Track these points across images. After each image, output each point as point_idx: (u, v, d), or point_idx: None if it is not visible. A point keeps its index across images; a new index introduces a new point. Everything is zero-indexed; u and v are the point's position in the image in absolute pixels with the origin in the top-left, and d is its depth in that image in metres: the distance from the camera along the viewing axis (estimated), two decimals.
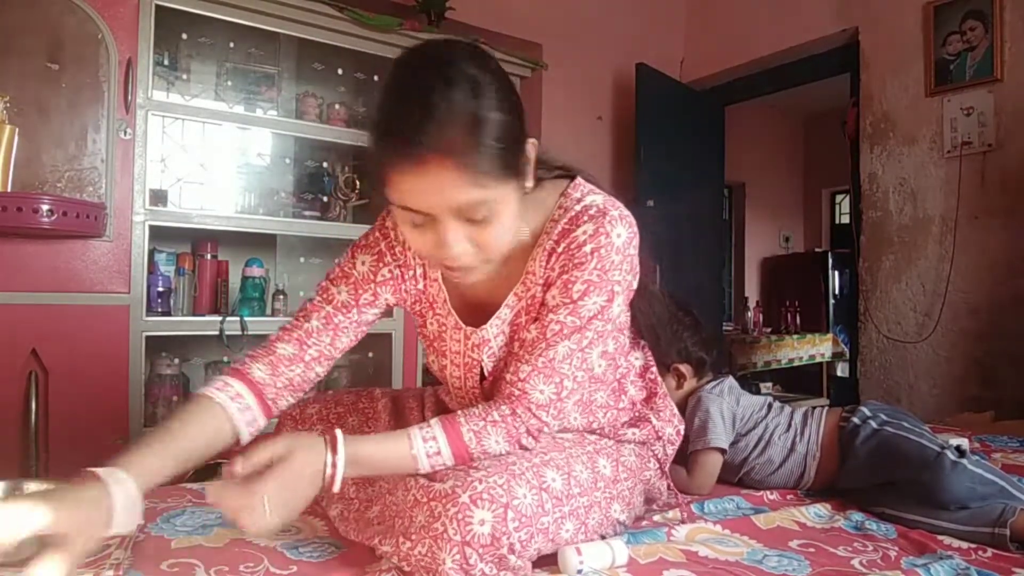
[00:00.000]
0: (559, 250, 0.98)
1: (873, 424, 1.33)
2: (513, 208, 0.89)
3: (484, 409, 0.97)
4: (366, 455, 0.91)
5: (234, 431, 0.99)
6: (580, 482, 0.99)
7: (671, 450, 1.21)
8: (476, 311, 1.07)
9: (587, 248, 0.95)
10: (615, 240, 0.96)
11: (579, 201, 0.99)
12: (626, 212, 1.00)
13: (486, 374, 1.07)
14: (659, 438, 1.17)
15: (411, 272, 1.10)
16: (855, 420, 1.36)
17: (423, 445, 0.93)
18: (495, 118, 0.82)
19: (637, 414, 1.17)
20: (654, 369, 1.22)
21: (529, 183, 0.92)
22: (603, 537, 1.04)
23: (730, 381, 1.49)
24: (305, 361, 1.05)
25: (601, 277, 0.96)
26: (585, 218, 0.97)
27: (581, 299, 0.96)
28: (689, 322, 1.49)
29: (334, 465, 0.88)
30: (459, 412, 0.97)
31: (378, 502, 1.03)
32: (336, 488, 0.89)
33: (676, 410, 1.23)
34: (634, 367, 1.19)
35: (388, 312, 1.20)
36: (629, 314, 1.14)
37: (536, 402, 0.97)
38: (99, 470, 0.80)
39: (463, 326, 1.07)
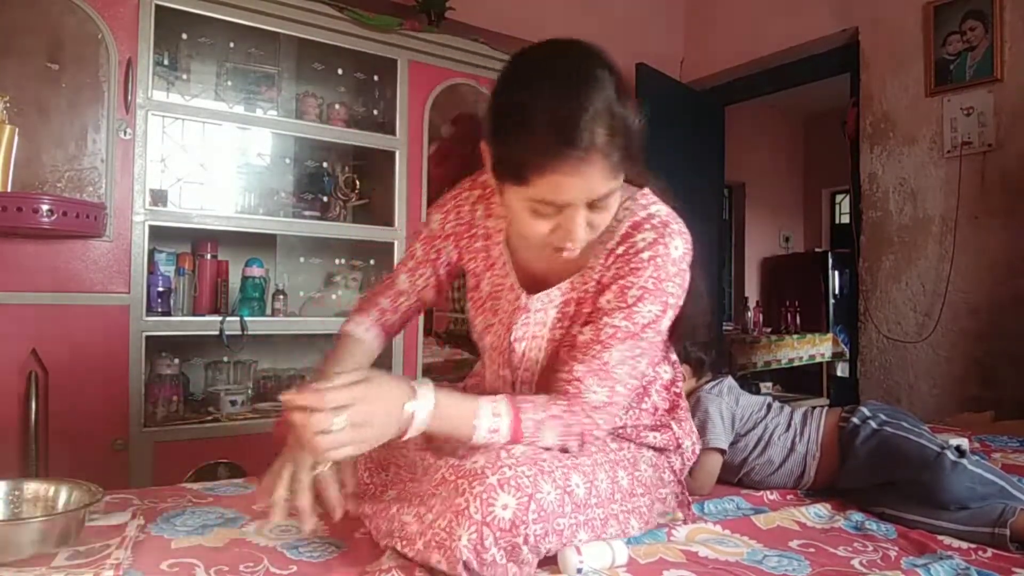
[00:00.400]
0: (619, 251, 1.02)
1: (873, 424, 1.33)
2: (619, 194, 0.96)
3: (545, 401, 0.99)
4: (443, 406, 0.92)
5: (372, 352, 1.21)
6: (599, 492, 0.99)
7: (687, 463, 1.21)
8: (530, 283, 1.11)
9: (645, 255, 0.99)
10: (672, 252, 1.00)
11: (644, 208, 1.03)
12: (685, 229, 1.03)
13: (513, 341, 1.10)
14: (678, 447, 1.17)
15: (474, 231, 1.18)
16: (855, 420, 1.36)
17: (490, 419, 0.94)
18: (628, 116, 0.90)
19: (659, 420, 1.16)
20: (680, 384, 1.22)
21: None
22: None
23: (729, 381, 1.49)
24: (400, 312, 1.25)
25: (656, 286, 0.98)
26: (648, 226, 1.01)
27: (636, 304, 0.98)
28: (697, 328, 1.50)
29: (414, 399, 0.89)
30: (521, 398, 0.99)
31: (394, 487, 1.05)
32: (412, 431, 0.89)
33: (695, 428, 1.23)
34: (661, 378, 1.18)
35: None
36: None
37: (591, 403, 0.98)
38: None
39: (518, 289, 1.11)
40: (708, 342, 1.52)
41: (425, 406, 0.90)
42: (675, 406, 1.20)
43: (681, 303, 1.03)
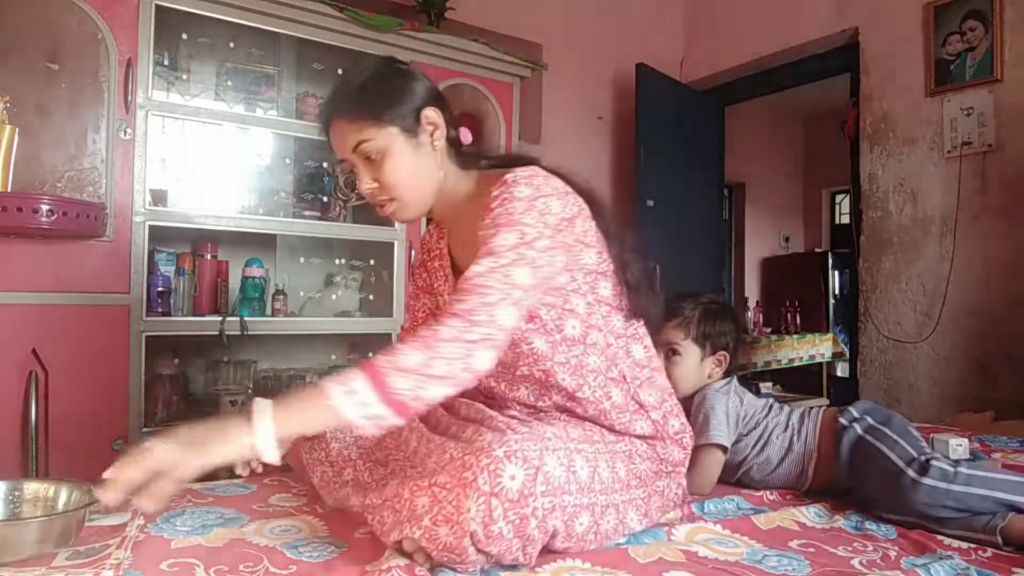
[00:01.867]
0: (485, 219, 1.08)
1: (858, 429, 1.32)
2: (404, 154, 1.12)
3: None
4: (287, 400, 0.93)
5: None
6: (602, 479, 1.02)
7: (682, 451, 1.21)
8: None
9: (494, 204, 1.06)
10: (516, 194, 1.05)
11: (509, 177, 1.08)
12: (537, 179, 1.07)
13: None
14: (663, 433, 1.16)
15: (434, 253, 1.32)
16: (842, 421, 1.36)
17: (337, 381, 0.92)
18: (369, 84, 1.13)
19: (630, 395, 1.15)
20: (657, 365, 1.21)
21: (426, 136, 1.14)
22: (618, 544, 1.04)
23: (735, 382, 1.50)
24: None
25: (507, 219, 1.03)
26: (500, 186, 1.08)
27: (492, 238, 1.02)
28: (739, 323, 1.51)
29: (252, 424, 0.89)
30: None
31: (395, 478, 1.06)
32: (261, 424, 0.89)
33: (676, 402, 1.22)
34: (633, 355, 1.17)
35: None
36: (613, 290, 1.15)
37: (453, 313, 0.96)
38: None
39: (450, 275, 1.26)
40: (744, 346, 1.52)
41: (262, 406, 0.90)
42: (647, 381, 1.18)
43: (553, 241, 1.03)
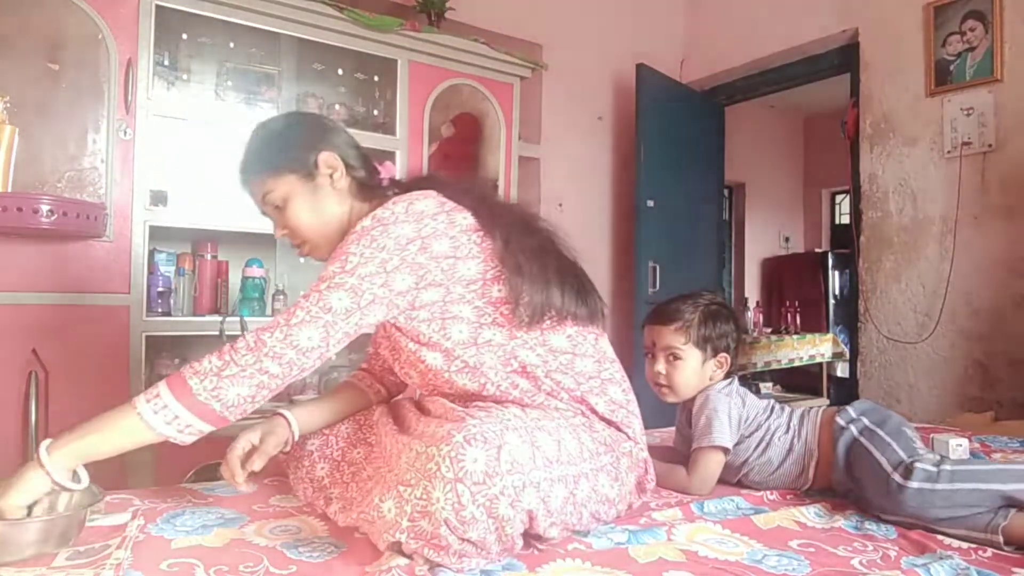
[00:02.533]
0: None
1: (853, 431, 1.32)
2: (304, 198, 1.21)
3: None
4: (76, 430, 1.01)
5: (368, 398, 1.37)
6: (568, 451, 1.03)
7: (627, 414, 1.19)
8: None
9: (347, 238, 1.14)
10: (358, 227, 1.12)
11: (379, 209, 1.14)
12: (396, 207, 1.12)
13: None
14: (585, 412, 1.15)
15: None
16: (839, 422, 1.35)
17: (143, 399, 1.02)
18: (265, 142, 1.25)
19: (539, 383, 1.13)
20: (583, 352, 1.19)
21: (324, 179, 1.22)
22: (593, 515, 1.05)
23: (736, 383, 1.49)
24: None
25: (340, 250, 1.11)
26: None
27: (325, 268, 1.12)
28: (739, 324, 1.51)
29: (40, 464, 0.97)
30: None
31: (377, 487, 1.06)
32: (46, 461, 0.97)
33: (604, 382, 1.19)
34: (550, 344, 1.16)
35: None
36: (512, 291, 1.14)
37: (261, 327, 1.07)
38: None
39: None
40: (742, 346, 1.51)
41: (47, 444, 0.99)
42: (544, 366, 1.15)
43: (376, 258, 1.08)
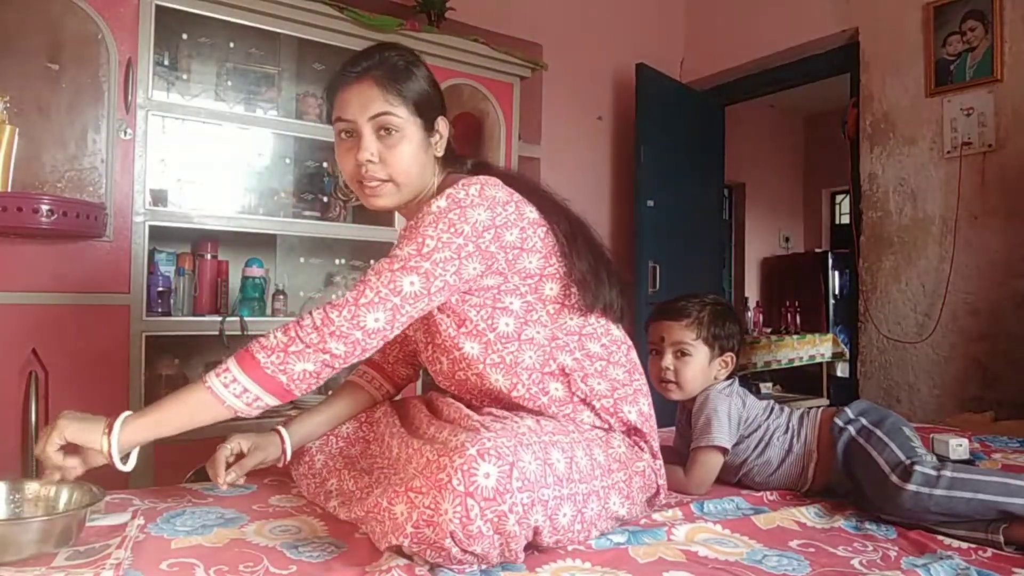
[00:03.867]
0: None
1: (851, 430, 1.32)
2: (416, 144, 1.17)
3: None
4: (151, 407, 1.08)
5: (372, 398, 1.35)
6: (580, 468, 1.02)
7: (651, 432, 1.20)
8: None
9: (418, 216, 1.12)
10: (433, 207, 1.10)
11: (452, 188, 1.12)
12: (469, 189, 1.10)
13: None
14: (610, 424, 1.15)
15: None
16: (838, 422, 1.35)
17: (213, 374, 1.04)
18: (416, 73, 1.20)
19: (573, 388, 1.14)
20: (617, 360, 1.19)
21: (435, 140, 1.22)
22: (601, 532, 1.04)
23: (737, 384, 1.50)
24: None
25: (413, 232, 1.09)
26: (436, 196, 1.13)
27: (396, 247, 1.10)
28: (742, 325, 1.51)
29: (109, 434, 1.05)
30: None
31: (379, 486, 1.06)
32: (116, 461, 1.04)
33: (635, 391, 1.19)
34: (587, 349, 1.17)
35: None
36: (564, 290, 1.16)
37: (330, 304, 1.05)
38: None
39: None
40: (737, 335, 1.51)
41: (121, 416, 1.06)
42: (583, 371, 1.16)
43: (454, 243, 1.06)
